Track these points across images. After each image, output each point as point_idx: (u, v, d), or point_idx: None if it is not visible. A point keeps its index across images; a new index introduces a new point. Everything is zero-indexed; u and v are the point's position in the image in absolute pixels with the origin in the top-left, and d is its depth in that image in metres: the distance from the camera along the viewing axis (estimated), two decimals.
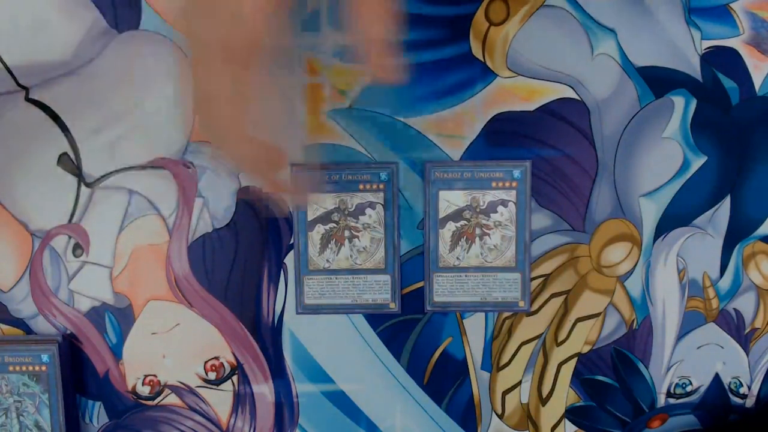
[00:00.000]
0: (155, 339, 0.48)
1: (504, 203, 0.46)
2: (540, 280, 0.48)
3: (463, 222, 0.46)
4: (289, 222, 0.47)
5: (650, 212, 0.47)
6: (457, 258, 0.47)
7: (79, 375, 0.49)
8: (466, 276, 0.47)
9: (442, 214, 0.46)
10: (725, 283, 0.48)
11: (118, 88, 0.46)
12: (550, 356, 0.49)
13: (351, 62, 0.45)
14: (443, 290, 0.47)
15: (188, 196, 0.47)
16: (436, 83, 0.46)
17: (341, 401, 0.49)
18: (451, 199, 0.46)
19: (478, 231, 0.46)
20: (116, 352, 0.49)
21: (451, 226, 0.46)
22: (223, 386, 0.49)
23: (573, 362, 0.49)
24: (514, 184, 0.46)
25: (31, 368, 0.47)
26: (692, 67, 0.46)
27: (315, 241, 0.47)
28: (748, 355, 0.49)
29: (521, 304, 0.47)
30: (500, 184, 0.46)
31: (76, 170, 0.47)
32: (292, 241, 0.47)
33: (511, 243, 0.46)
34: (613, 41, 0.46)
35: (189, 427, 0.50)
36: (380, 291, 0.47)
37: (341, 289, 0.47)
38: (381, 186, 0.46)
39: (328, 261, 0.47)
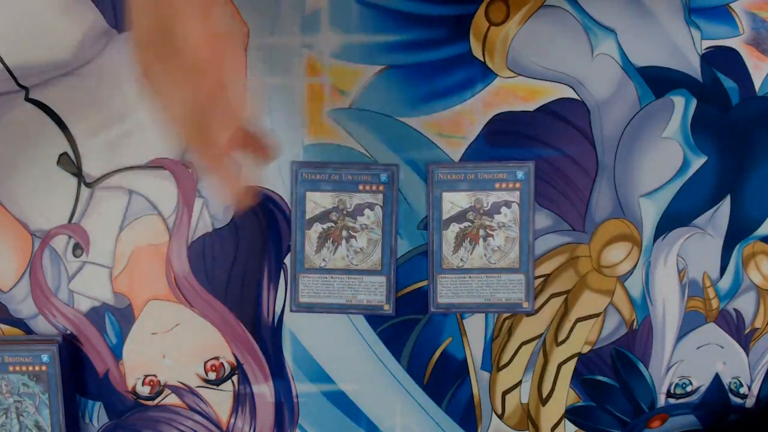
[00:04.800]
0: (155, 339, 0.48)
1: (507, 204, 0.46)
2: (540, 280, 0.48)
3: (466, 223, 0.46)
4: (288, 221, 0.47)
5: (650, 212, 0.47)
6: (461, 259, 0.46)
7: (79, 375, 0.49)
8: (470, 277, 0.47)
9: (445, 216, 0.46)
10: (725, 283, 0.48)
11: (118, 88, 0.46)
12: (550, 356, 0.49)
13: (351, 62, 0.45)
14: (447, 292, 0.47)
15: (188, 196, 0.47)
16: (437, 83, 0.46)
17: (341, 401, 0.49)
18: (454, 201, 0.45)
19: (482, 232, 0.46)
20: (116, 352, 0.49)
21: (454, 228, 0.46)
22: (223, 386, 0.49)
23: (573, 362, 0.49)
24: (517, 185, 0.46)
25: (31, 368, 0.47)
26: (692, 67, 0.46)
27: (312, 239, 0.47)
28: (748, 355, 0.49)
29: (525, 305, 0.47)
30: (503, 185, 0.46)
31: (76, 170, 0.47)
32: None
33: (515, 244, 0.46)
34: (613, 41, 0.46)
35: (189, 427, 0.50)
36: (375, 292, 0.47)
37: (336, 288, 0.47)
38: (380, 188, 0.46)
39: (324, 260, 0.47)
